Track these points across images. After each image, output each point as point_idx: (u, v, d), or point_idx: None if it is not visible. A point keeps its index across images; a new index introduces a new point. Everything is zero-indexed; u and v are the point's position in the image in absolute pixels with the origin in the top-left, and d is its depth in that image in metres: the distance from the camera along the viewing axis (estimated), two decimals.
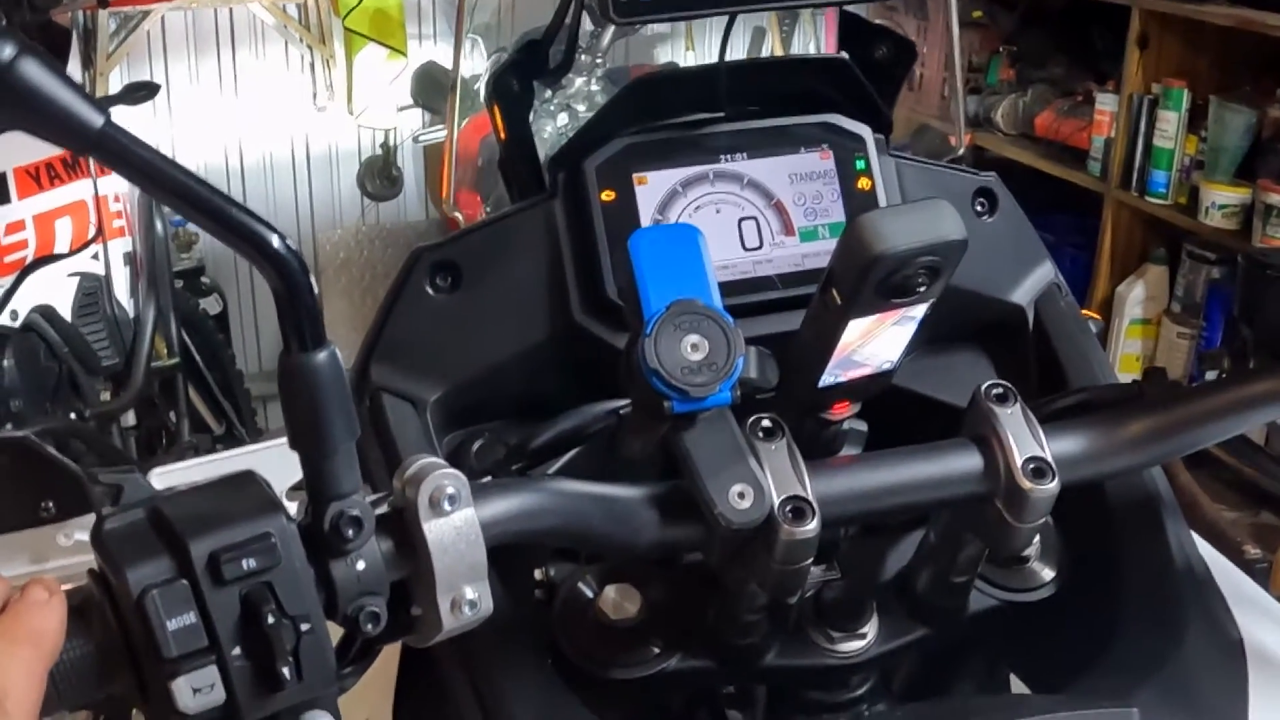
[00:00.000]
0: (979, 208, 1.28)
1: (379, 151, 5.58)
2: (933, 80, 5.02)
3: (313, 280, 0.72)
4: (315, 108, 5.51)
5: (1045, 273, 1.29)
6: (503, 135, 1.21)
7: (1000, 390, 0.94)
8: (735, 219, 1.15)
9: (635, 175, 1.13)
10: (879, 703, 1.11)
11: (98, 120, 0.68)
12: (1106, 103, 4.61)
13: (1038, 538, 1.11)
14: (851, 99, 1.21)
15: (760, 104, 1.20)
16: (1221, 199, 4.12)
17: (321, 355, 0.72)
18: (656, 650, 1.03)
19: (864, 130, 1.20)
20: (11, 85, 0.66)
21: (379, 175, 5.61)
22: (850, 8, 1.41)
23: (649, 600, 1.03)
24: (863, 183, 1.19)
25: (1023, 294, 1.27)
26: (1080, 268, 4.73)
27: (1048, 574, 1.12)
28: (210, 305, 4.92)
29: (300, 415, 0.73)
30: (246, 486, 0.73)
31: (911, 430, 1.01)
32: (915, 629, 1.08)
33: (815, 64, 1.27)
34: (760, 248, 1.15)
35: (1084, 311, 1.35)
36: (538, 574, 1.09)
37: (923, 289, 0.85)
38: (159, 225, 3.53)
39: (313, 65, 5.45)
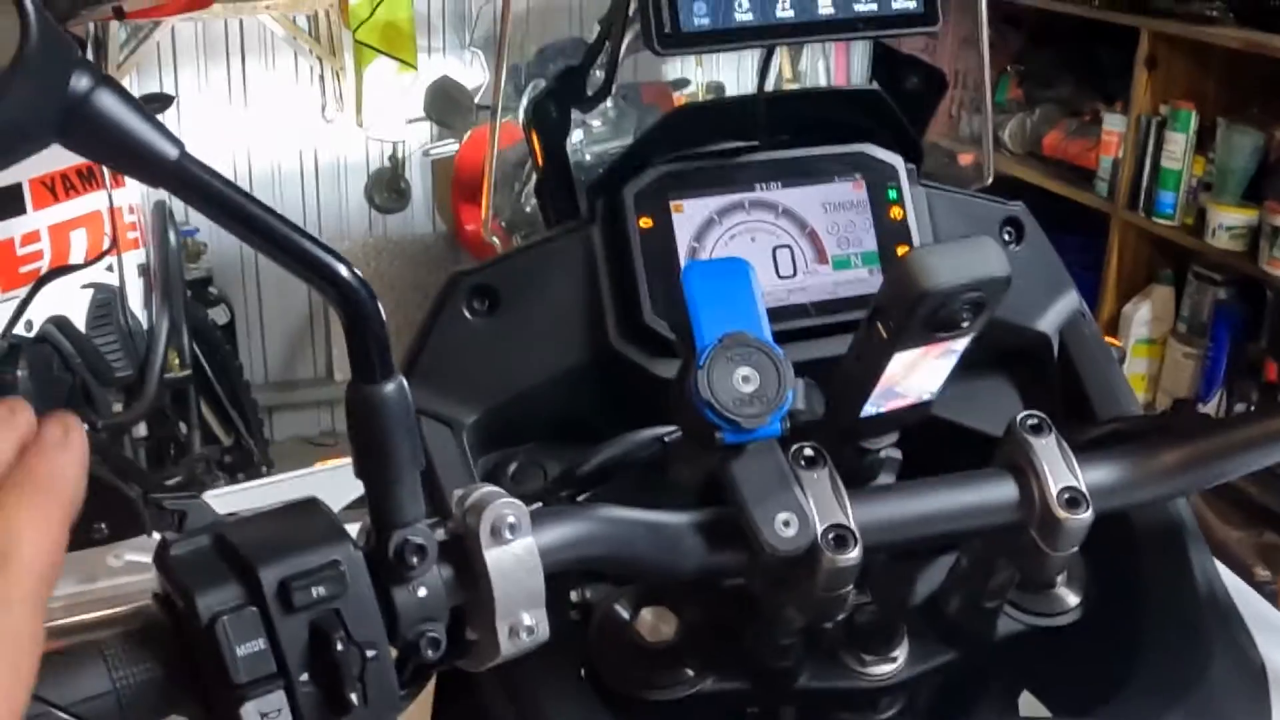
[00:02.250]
0: (1006, 237, 1.30)
1: (387, 164, 5.61)
2: (943, 100, 5.04)
3: (381, 310, 0.73)
4: (324, 120, 5.53)
5: (1070, 301, 1.31)
6: (540, 161, 1.22)
7: (1035, 421, 0.95)
8: (770, 247, 1.17)
9: (672, 203, 1.15)
10: None
11: (173, 152, 0.69)
12: (1114, 123, 4.64)
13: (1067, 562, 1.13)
14: (884, 129, 1.22)
15: (794, 134, 1.22)
16: (1229, 220, 4.15)
17: (390, 386, 0.73)
18: (691, 672, 1.04)
19: (896, 160, 1.22)
20: (89, 117, 0.67)
21: (387, 188, 5.63)
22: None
23: (684, 623, 1.05)
24: (895, 212, 1.20)
25: (1048, 322, 1.28)
26: (1087, 288, 4.74)
27: (1073, 599, 1.13)
28: (218, 315, 4.94)
29: (367, 444, 0.74)
30: (312, 514, 0.74)
31: (939, 456, 1.03)
32: (944, 652, 1.09)
33: (849, 95, 1.29)
34: (794, 276, 1.17)
35: (1106, 339, 1.36)
36: (573, 595, 1.10)
37: (967, 323, 0.87)
38: (172, 237, 3.55)
39: (322, 77, 5.48)
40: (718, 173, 1.17)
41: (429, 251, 5.75)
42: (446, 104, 4.76)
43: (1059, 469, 0.94)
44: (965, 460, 0.99)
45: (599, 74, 1.23)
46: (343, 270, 0.72)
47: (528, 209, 3.91)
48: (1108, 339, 1.38)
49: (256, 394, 4.58)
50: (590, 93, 1.22)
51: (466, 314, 1.15)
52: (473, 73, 5.36)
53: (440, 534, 0.78)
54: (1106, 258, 4.68)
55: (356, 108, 5.47)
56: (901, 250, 1.20)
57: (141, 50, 5.02)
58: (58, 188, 3.23)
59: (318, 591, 0.70)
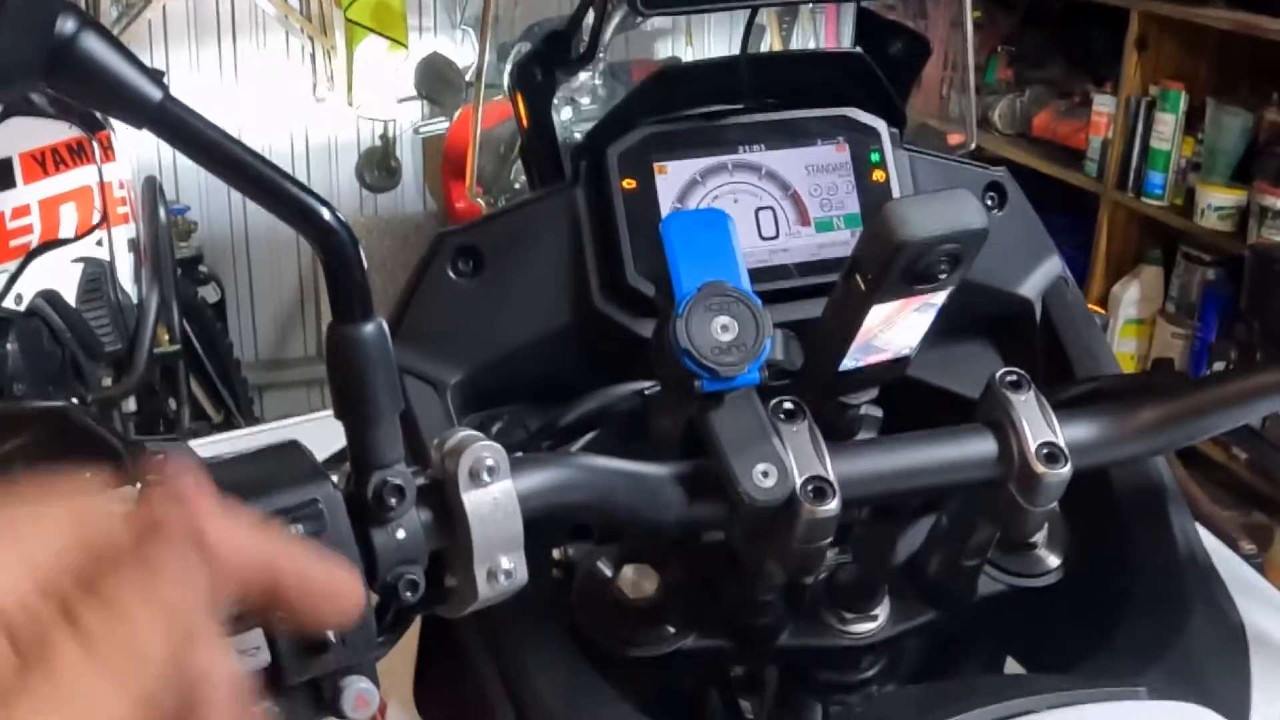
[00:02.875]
0: (989, 202, 1.30)
1: (378, 143, 5.59)
2: (932, 80, 5.04)
3: (361, 253, 0.74)
4: (315, 98, 5.52)
5: (1053, 266, 1.32)
6: (524, 124, 1.23)
7: (1014, 378, 0.96)
8: (753, 209, 1.17)
9: (656, 164, 1.15)
10: (888, 684, 1.13)
11: (157, 94, 0.70)
12: (1104, 104, 4.65)
13: (1045, 524, 1.13)
14: (867, 93, 1.23)
15: (778, 97, 1.22)
16: (1218, 201, 4.15)
17: (369, 327, 0.74)
18: (672, 630, 1.05)
19: (879, 124, 1.22)
20: (74, 59, 0.67)
21: (378, 167, 5.62)
22: (866, 4, 1.43)
23: (666, 580, 1.05)
24: (877, 175, 1.21)
25: (1030, 287, 1.29)
26: (1076, 267, 4.75)
27: (1054, 560, 1.14)
28: (208, 294, 4.93)
29: (347, 386, 0.75)
30: (291, 454, 0.75)
31: (920, 419, 1.03)
32: (925, 612, 1.10)
33: (832, 58, 1.29)
34: (777, 237, 1.18)
35: (1089, 306, 1.37)
36: (556, 554, 1.11)
37: (944, 276, 0.87)
38: (162, 212, 3.55)
39: (313, 56, 5.47)
40: (701, 134, 1.18)
41: (420, 230, 5.74)
42: (436, 80, 4.74)
43: (1038, 424, 0.94)
44: (947, 424, 1.00)
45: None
46: (324, 212, 0.73)
47: (516, 185, 3.91)
48: (1092, 307, 1.39)
49: (246, 372, 4.58)
50: (574, 57, 1.22)
51: (451, 274, 1.15)
52: (464, 51, 5.35)
53: (421, 480, 0.79)
54: (1096, 238, 4.68)
55: (348, 86, 5.46)
56: None
57: (132, 29, 5.00)
58: (48, 162, 3.23)
59: (296, 529, 0.71)
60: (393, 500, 0.75)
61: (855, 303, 0.88)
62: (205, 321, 4.20)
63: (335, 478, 0.77)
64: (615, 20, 1.17)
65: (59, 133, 3.24)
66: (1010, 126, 5.28)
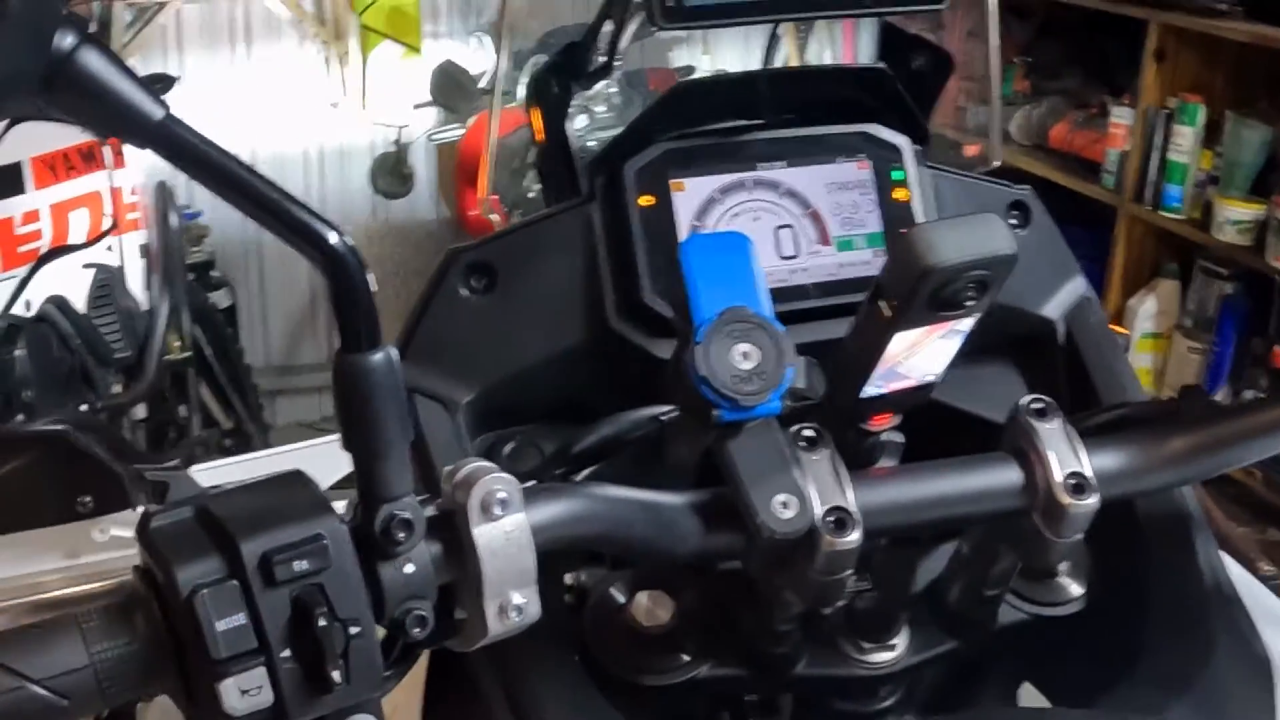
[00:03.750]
0: (1013, 220, 1.28)
1: (391, 149, 5.58)
2: (949, 90, 5.02)
3: (370, 279, 0.71)
4: (329, 104, 5.51)
5: (1077, 286, 1.29)
6: (541, 137, 1.21)
7: (1040, 405, 0.94)
8: (772, 227, 1.15)
9: (673, 181, 1.13)
10: (906, 714, 1.10)
11: (158, 112, 0.67)
12: (1122, 116, 4.62)
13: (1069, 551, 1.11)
14: (890, 109, 1.20)
15: (799, 112, 1.20)
16: (1235, 215, 4.12)
17: (377, 356, 0.72)
18: (687, 658, 1.03)
19: (902, 141, 1.20)
20: (72, 76, 0.65)
21: (391, 173, 5.61)
22: (879, 16, 1.41)
23: (681, 607, 1.03)
24: (899, 193, 1.19)
25: (1054, 308, 1.27)
26: (1093, 280, 4.65)
27: (1076, 589, 1.11)
28: (220, 299, 4.91)
29: (354, 416, 0.72)
30: (296, 486, 0.73)
31: (943, 443, 1.01)
32: (945, 641, 1.07)
33: (855, 74, 1.27)
34: (796, 256, 1.15)
35: (1112, 326, 1.34)
36: (568, 579, 1.08)
37: (971, 303, 0.85)
38: (173, 218, 3.53)
39: (327, 61, 5.45)
40: (720, 151, 1.15)
41: (433, 237, 5.73)
42: (451, 87, 4.74)
43: (1064, 454, 0.92)
44: (969, 447, 0.98)
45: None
46: (331, 236, 0.71)
47: (530, 194, 3.89)
48: (1113, 327, 1.37)
49: (258, 378, 4.56)
50: (591, 69, 1.20)
51: (463, 291, 1.13)
52: (479, 57, 5.33)
53: (430, 510, 0.76)
54: (1112, 250, 4.65)
55: (362, 92, 5.45)
56: None
57: (146, 33, 4.99)
58: (59, 167, 3.22)
59: (300, 566, 0.68)
60: (401, 534, 0.72)
61: (878, 329, 0.86)
62: (216, 327, 4.19)
63: (344, 506, 0.74)
64: (632, 31, 1.15)
65: (70, 137, 3.23)
66: (1027, 138, 5.25)
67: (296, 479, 0.73)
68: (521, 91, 1.26)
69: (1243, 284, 4.27)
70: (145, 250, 3.43)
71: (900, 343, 0.87)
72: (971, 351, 1.22)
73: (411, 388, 1.12)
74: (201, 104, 5.22)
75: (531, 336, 1.14)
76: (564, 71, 1.20)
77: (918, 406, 0.99)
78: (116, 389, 3.35)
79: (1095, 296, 1.32)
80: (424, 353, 1.13)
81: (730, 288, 0.84)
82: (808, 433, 0.88)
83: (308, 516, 0.70)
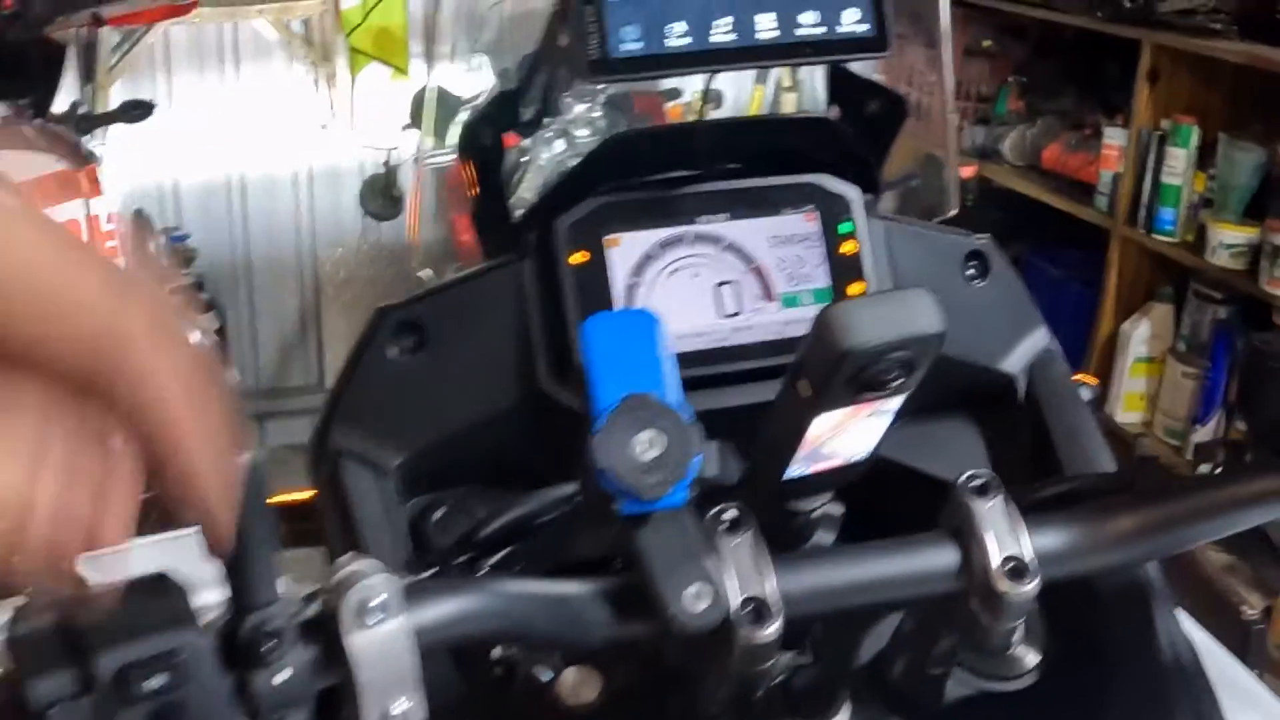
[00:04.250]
0: (970, 271, 1.24)
1: (381, 171, 5.54)
2: (938, 109, 4.99)
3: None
4: (318, 126, 5.47)
5: (1039, 339, 1.25)
6: (474, 190, 1.16)
7: (980, 481, 0.89)
8: (713, 283, 1.11)
9: (608, 236, 1.09)
10: None
11: None
12: (1115, 137, 4.57)
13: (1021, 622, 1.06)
14: (839, 158, 1.16)
15: (743, 162, 1.16)
16: (1229, 239, 4.07)
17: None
18: None
19: (851, 191, 1.15)
20: None
21: (381, 195, 5.57)
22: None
23: (609, 685, 0.98)
24: (848, 247, 1.14)
25: (1014, 362, 1.23)
26: (1085, 303, 4.68)
27: (1031, 659, 1.06)
28: (208, 322, 4.87)
29: None
30: (159, 593, 0.68)
31: (895, 503, 0.97)
32: (890, 718, 1.03)
33: (800, 124, 1.23)
34: (739, 314, 1.11)
35: (1078, 376, 1.30)
36: (496, 652, 1.04)
37: (897, 383, 0.80)
38: (151, 246, 3.49)
39: (315, 82, 5.42)
40: (658, 204, 1.11)
41: (423, 259, 5.69)
42: (433, 113, 4.70)
43: (1003, 534, 0.87)
44: (922, 508, 0.93)
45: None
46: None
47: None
48: (1081, 376, 1.32)
49: (248, 401, 4.51)
50: (526, 119, 1.16)
51: (392, 351, 1.09)
52: (481, 77, 5.29)
53: (311, 610, 0.72)
54: (1106, 274, 4.60)
55: (350, 114, 5.41)
56: (855, 288, 1.14)
57: (133, 54, 4.96)
58: (34, 196, 3.17)
59: (156, 682, 0.64)
60: (267, 644, 0.68)
61: (799, 411, 0.81)
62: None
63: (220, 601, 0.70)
64: (568, 82, 1.10)
65: (45, 165, 3.18)
66: (1020, 158, 5.21)
67: (161, 584, 0.68)
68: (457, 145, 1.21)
69: (1237, 309, 4.22)
70: None
71: (822, 424, 0.82)
72: (927, 407, 1.19)
73: (341, 451, 1.09)
74: (190, 125, 5.20)
75: (463, 398, 1.10)
76: (496, 121, 1.15)
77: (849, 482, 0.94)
78: None
79: (1058, 348, 1.27)
80: (353, 415, 1.10)
81: (634, 371, 0.79)
82: (729, 514, 0.83)
83: (168, 627, 0.66)
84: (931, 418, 1.20)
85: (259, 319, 5.60)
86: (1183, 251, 4.30)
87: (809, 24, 1.02)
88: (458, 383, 1.09)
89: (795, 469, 0.86)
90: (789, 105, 5.07)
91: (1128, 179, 4.47)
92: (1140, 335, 4.51)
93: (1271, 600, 3.81)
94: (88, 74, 4.49)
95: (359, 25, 5.12)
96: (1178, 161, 4.30)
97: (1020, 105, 5.35)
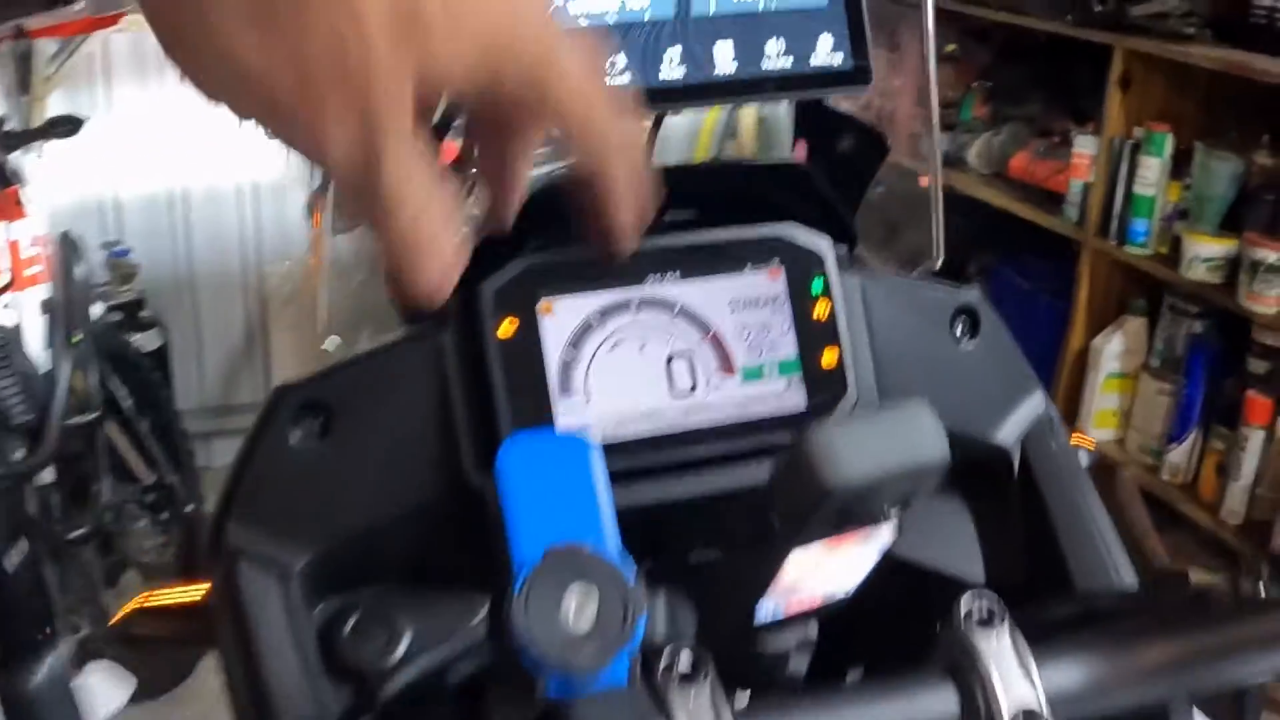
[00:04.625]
0: (959, 330, 1.09)
1: (330, 180, 5.36)
2: (904, 116, 4.83)
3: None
4: (265, 133, 5.30)
5: (1035, 405, 1.11)
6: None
7: (985, 611, 0.74)
8: (663, 356, 0.95)
9: (541, 302, 0.93)
10: None
11: None
12: (1085, 145, 4.42)
13: None
14: (807, 204, 1.01)
15: (697, 213, 1.00)
16: (1205, 252, 3.93)
17: (39, 677, 0.53)
18: None
19: (823, 243, 1.00)
20: None
21: (334, 206, 5.39)
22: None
23: None
24: (820, 308, 0.99)
25: (1008, 433, 1.08)
26: (1055, 316, 4.53)
27: None
28: (149, 340, 4.71)
29: None
30: None
31: (875, 597, 0.82)
32: None
33: (769, 171, 1.07)
34: (693, 391, 0.95)
35: (1076, 438, 1.16)
36: None
37: (889, 516, 0.65)
38: (78, 270, 3.31)
39: None
40: (599, 263, 0.95)
41: (378, 274, 5.52)
42: None
43: (1012, 677, 0.72)
44: (904, 602, 0.82)
45: None
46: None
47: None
48: (1077, 437, 1.18)
49: (193, 420, 4.36)
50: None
51: (294, 436, 0.93)
52: None
53: None
54: (1076, 287, 4.46)
55: None
56: (827, 356, 0.99)
57: (71, 64, 4.77)
58: None
59: None
60: None
61: (770, 547, 0.66)
62: (141, 373, 3.97)
63: None
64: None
65: None
66: (986, 165, 5.07)
67: None
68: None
69: (1213, 322, 4.09)
70: (48, 306, 3.20)
71: (799, 560, 0.67)
72: None
73: (237, 550, 0.93)
74: (132, 136, 5.03)
75: (376, 491, 0.94)
76: None
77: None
78: (20, 454, 3.12)
79: (1056, 414, 1.13)
80: (251, 508, 0.93)
81: (563, 512, 0.63)
82: (684, 663, 0.68)
83: None
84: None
85: (204, 335, 5.43)
86: (1156, 264, 4.16)
87: (774, 54, 0.86)
88: (370, 472, 0.93)
89: (765, 611, 0.70)
90: (747, 126, 4.92)
91: (1099, 189, 4.33)
92: (1112, 350, 4.38)
93: None
94: (23, 85, 4.31)
95: None
96: (1151, 171, 4.16)
97: (985, 111, 5.21)
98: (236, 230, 5.33)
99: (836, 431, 0.62)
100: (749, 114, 4.91)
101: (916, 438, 0.63)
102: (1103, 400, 4.39)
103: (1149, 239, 4.19)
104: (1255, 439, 3.85)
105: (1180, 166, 4.14)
